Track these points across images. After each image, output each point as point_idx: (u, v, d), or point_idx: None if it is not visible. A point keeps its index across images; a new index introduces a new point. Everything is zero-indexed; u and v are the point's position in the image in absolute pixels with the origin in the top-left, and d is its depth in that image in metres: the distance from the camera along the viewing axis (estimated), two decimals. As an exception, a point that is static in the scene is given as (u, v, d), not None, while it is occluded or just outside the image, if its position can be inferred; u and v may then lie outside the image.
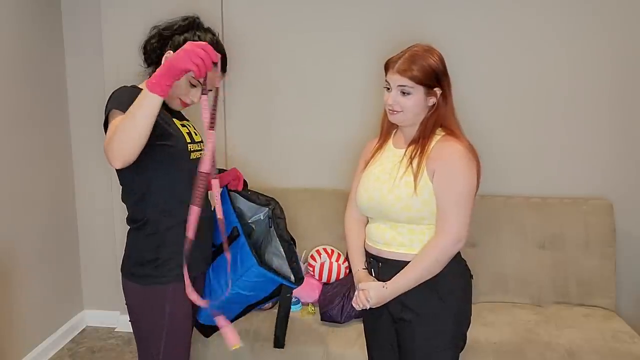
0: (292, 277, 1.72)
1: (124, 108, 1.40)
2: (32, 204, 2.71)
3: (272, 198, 1.79)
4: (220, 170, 1.85)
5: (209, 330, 1.89)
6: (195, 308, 1.80)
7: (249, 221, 1.81)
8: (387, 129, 1.75)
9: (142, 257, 1.62)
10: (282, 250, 1.74)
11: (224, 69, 1.64)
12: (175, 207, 1.59)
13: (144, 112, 1.33)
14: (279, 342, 1.85)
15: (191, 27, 1.65)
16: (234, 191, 1.82)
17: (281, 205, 1.79)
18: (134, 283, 1.64)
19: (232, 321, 1.79)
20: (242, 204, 1.80)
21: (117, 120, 1.41)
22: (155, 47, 1.65)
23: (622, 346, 2.17)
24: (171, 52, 1.58)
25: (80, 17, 2.91)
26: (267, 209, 1.78)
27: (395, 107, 1.61)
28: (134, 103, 1.36)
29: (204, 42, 1.37)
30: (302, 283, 1.73)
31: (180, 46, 1.39)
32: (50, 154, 2.86)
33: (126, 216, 1.67)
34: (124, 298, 1.67)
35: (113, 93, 1.55)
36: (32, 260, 2.71)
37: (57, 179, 2.92)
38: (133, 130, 1.33)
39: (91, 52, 2.91)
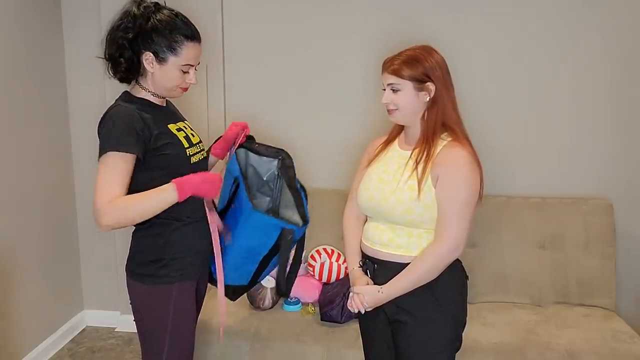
0: (301, 222, 1.69)
1: (123, 148, 1.47)
2: (33, 204, 2.71)
3: (281, 149, 1.75)
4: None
5: (233, 291, 1.85)
6: (201, 303, 1.81)
7: (265, 179, 1.79)
8: (398, 131, 1.74)
9: (147, 257, 1.62)
10: (291, 199, 1.73)
11: (199, 39, 1.61)
12: (180, 211, 1.59)
13: (160, 206, 1.50)
14: (280, 289, 1.78)
15: (150, 12, 1.57)
16: (242, 146, 1.76)
17: (290, 155, 1.75)
18: (139, 283, 1.64)
19: (253, 281, 1.81)
20: (254, 161, 1.77)
21: (117, 172, 1.47)
22: (127, 56, 1.57)
23: (622, 346, 2.16)
24: (150, 54, 1.55)
25: (80, 17, 2.91)
26: (277, 160, 1.76)
27: (390, 106, 1.62)
28: (152, 195, 1.48)
29: (217, 177, 1.56)
30: (307, 224, 1.68)
31: (161, 32, 1.53)
32: (50, 154, 2.86)
33: None
34: (129, 297, 1.67)
35: (110, 121, 1.51)
36: (32, 260, 2.71)
37: (57, 179, 2.92)
38: (139, 216, 1.50)
39: (91, 51, 2.89)
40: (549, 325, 2.31)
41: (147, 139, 1.53)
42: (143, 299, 1.65)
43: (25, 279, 2.66)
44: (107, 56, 1.60)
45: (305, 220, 1.70)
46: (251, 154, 1.76)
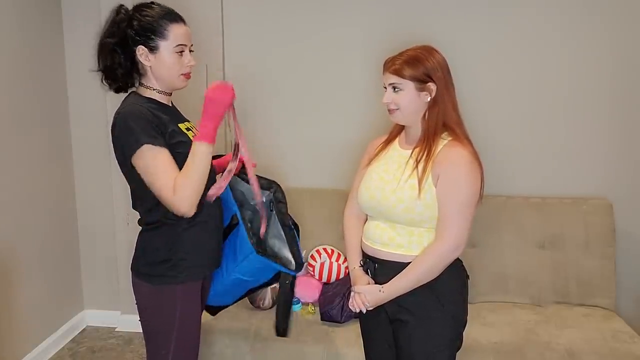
0: (293, 263, 1.72)
1: (156, 141, 1.49)
2: (33, 204, 2.71)
3: (273, 181, 1.80)
4: (219, 156, 1.83)
5: (215, 309, 1.91)
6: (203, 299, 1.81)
7: (252, 203, 1.80)
8: (398, 131, 1.74)
9: (154, 257, 1.62)
10: (283, 234, 1.75)
11: (183, 20, 1.63)
12: None
13: (203, 163, 1.51)
14: (278, 331, 1.85)
15: (130, 14, 1.60)
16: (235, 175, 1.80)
17: (282, 189, 1.79)
18: (145, 282, 1.63)
19: (235, 302, 1.88)
20: (244, 187, 1.79)
21: (163, 163, 1.49)
22: (119, 61, 1.60)
23: (622, 346, 2.17)
24: (142, 47, 1.57)
25: (80, 18, 2.91)
26: (269, 192, 1.79)
27: (391, 106, 1.62)
28: (188, 161, 1.50)
29: (214, 84, 1.54)
30: (302, 269, 1.73)
31: (146, 24, 1.55)
32: (51, 154, 2.86)
33: (138, 219, 1.67)
34: (134, 297, 1.67)
35: (128, 120, 1.51)
36: (33, 260, 2.72)
37: (57, 179, 2.92)
38: (200, 181, 1.51)
39: (91, 51, 2.89)
40: (549, 325, 2.31)
41: (163, 134, 1.54)
42: (149, 299, 1.64)
43: (25, 279, 2.66)
44: (102, 68, 1.62)
45: (299, 262, 1.73)
46: (241, 181, 1.79)
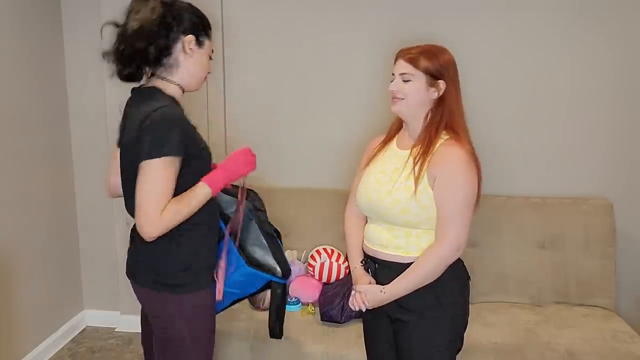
0: (278, 269, 1.70)
1: (177, 154, 1.45)
2: (33, 204, 2.71)
3: (250, 189, 1.75)
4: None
5: None
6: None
7: (227, 213, 1.76)
8: (396, 130, 1.73)
9: (175, 267, 1.56)
10: (264, 242, 1.72)
11: (208, 33, 1.63)
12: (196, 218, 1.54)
13: (198, 205, 1.51)
14: (274, 332, 1.83)
15: (188, 5, 1.61)
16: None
17: (260, 197, 1.77)
18: (151, 290, 1.59)
19: (220, 311, 1.81)
20: (219, 196, 1.73)
21: (169, 179, 1.45)
22: (162, 44, 1.51)
23: (622, 346, 2.17)
24: (193, 36, 1.54)
25: (80, 17, 2.91)
26: (247, 200, 1.74)
27: (397, 94, 1.60)
28: (189, 197, 1.49)
29: (247, 148, 1.63)
30: (289, 276, 1.72)
31: (201, 20, 1.59)
32: (50, 154, 2.86)
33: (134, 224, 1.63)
34: (154, 309, 1.64)
35: (164, 122, 1.43)
36: (33, 260, 2.71)
37: (57, 179, 2.92)
38: (185, 218, 1.49)
39: (91, 51, 2.91)
40: (549, 325, 2.31)
41: (192, 141, 1.50)
42: (157, 307, 1.60)
43: (25, 279, 2.66)
44: (132, 51, 1.50)
45: (286, 269, 1.71)
46: (221, 193, 1.73)
